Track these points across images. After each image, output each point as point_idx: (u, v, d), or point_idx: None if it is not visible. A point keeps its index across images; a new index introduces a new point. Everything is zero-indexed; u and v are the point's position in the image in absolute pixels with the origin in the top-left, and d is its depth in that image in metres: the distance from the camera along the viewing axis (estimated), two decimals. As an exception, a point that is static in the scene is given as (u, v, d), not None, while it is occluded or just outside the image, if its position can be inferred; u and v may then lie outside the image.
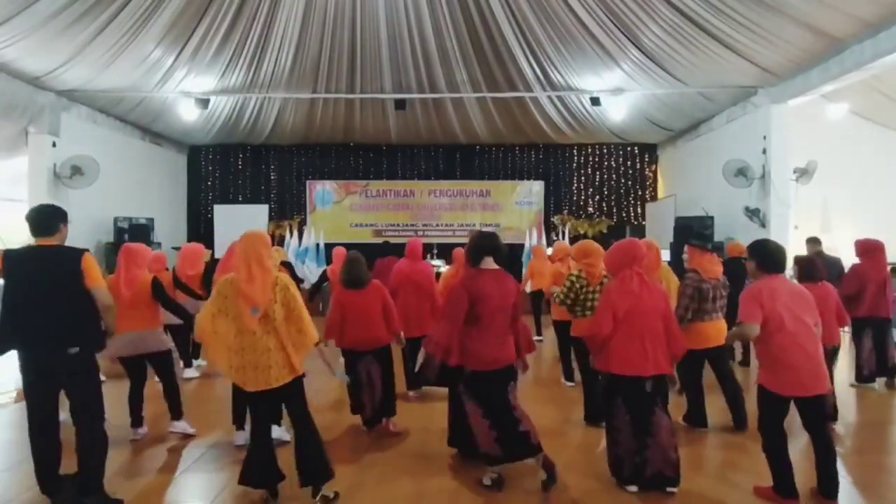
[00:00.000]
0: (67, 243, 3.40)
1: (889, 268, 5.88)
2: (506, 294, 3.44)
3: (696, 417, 4.56)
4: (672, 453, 3.31)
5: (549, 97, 11.58)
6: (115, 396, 4.69)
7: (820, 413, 3.26)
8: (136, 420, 4.44)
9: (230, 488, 3.47)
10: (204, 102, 10.46)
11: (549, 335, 7.51)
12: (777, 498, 3.25)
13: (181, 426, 4.50)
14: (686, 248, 4.69)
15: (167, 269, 6.20)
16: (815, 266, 4.52)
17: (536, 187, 14.73)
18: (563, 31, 9.15)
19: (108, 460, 3.37)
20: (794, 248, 8.00)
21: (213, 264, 6.64)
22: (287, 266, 8.35)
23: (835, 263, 7.02)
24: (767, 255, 3.30)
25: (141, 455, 4.10)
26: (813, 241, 7.33)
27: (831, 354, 4.42)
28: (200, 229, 14.14)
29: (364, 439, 4.40)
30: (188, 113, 11.05)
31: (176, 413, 4.48)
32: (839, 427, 4.59)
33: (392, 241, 12.61)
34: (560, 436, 4.43)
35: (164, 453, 4.15)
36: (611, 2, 8.10)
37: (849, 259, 8.90)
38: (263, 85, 10.88)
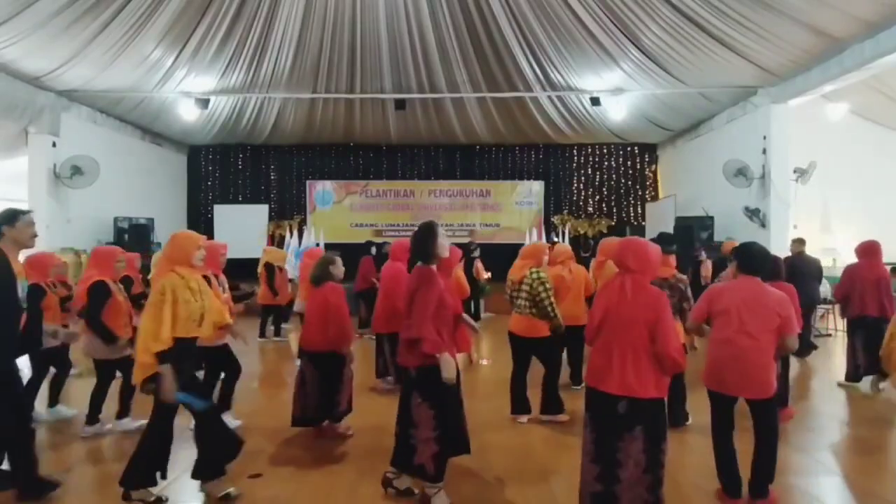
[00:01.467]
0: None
1: (890, 268, 5.88)
2: (407, 289, 3.32)
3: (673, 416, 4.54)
4: (646, 494, 2.71)
5: (549, 97, 11.58)
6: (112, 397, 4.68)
7: (730, 413, 3.31)
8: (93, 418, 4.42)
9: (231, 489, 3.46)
10: (204, 102, 10.47)
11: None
12: (723, 497, 3.29)
13: (125, 423, 4.54)
14: None
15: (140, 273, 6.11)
16: (777, 265, 4.50)
17: (536, 187, 14.73)
18: (563, 31, 9.15)
19: (106, 462, 3.55)
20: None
21: None
22: (268, 268, 8.35)
23: (813, 263, 7.14)
24: (747, 257, 3.37)
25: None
26: (797, 242, 7.45)
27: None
28: (200, 229, 14.11)
29: (322, 443, 4.24)
30: (188, 113, 11.06)
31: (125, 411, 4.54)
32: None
33: (391, 241, 12.61)
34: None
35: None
36: (611, 2, 8.11)
37: (848, 259, 8.94)
38: (263, 85, 10.88)
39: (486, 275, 10.54)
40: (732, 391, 3.21)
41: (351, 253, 13.10)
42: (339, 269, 4.45)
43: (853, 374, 5.83)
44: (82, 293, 4.37)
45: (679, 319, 4.17)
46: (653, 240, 4.69)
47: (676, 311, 4.28)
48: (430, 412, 3.16)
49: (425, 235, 3.28)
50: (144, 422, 4.42)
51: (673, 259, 4.64)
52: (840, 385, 5.91)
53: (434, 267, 3.26)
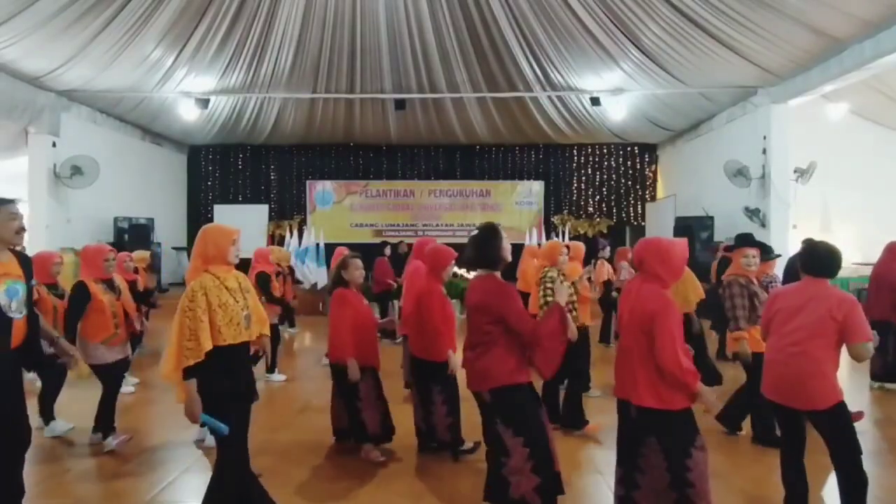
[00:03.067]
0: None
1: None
2: (475, 302, 2.95)
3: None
4: None
5: (549, 97, 11.58)
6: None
7: (794, 426, 3.05)
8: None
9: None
10: (204, 102, 10.47)
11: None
12: None
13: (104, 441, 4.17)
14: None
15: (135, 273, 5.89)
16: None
17: (536, 187, 14.73)
18: (563, 31, 9.15)
19: (109, 464, 3.43)
20: (793, 247, 8.01)
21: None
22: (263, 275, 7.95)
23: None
24: (808, 257, 3.07)
25: (140, 456, 4.10)
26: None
27: None
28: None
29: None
30: (188, 113, 11.06)
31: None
32: None
33: (392, 241, 12.63)
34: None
35: (163, 454, 4.14)
36: (611, 2, 8.11)
37: (848, 258, 8.89)
38: (263, 85, 10.88)
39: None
40: (784, 401, 2.96)
41: (358, 252, 12.98)
42: (352, 272, 4.01)
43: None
44: None
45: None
46: (764, 249, 4.53)
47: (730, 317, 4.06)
48: (519, 439, 2.78)
49: (488, 237, 2.92)
50: (126, 437, 4.19)
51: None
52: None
53: (498, 274, 2.93)
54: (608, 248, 8.21)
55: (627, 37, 8.85)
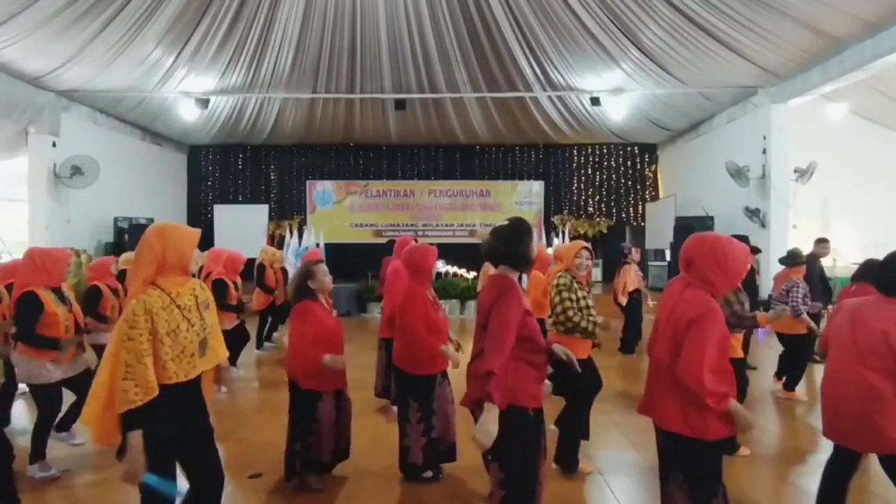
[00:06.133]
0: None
1: None
2: (480, 302, 2.51)
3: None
4: None
5: (549, 97, 11.59)
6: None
7: (850, 464, 2.55)
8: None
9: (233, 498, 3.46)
10: (204, 102, 10.48)
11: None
12: None
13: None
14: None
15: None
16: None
17: (536, 187, 14.73)
18: (563, 31, 9.16)
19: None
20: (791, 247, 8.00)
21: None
22: (259, 269, 7.48)
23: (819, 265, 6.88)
24: (880, 272, 2.58)
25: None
26: (821, 243, 7.03)
27: None
28: (201, 229, 14.15)
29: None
30: (188, 113, 11.07)
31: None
32: None
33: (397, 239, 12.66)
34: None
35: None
36: (611, 2, 8.11)
37: (848, 259, 8.87)
38: (263, 85, 10.89)
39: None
40: (844, 442, 2.48)
41: (358, 252, 12.94)
42: (321, 279, 3.46)
43: None
44: (12, 303, 3.68)
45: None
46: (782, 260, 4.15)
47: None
48: (501, 475, 2.29)
49: (519, 234, 2.39)
50: (55, 473, 3.67)
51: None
52: None
53: (516, 277, 2.42)
54: (633, 251, 7.45)
55: (627, 37, 8.86)
